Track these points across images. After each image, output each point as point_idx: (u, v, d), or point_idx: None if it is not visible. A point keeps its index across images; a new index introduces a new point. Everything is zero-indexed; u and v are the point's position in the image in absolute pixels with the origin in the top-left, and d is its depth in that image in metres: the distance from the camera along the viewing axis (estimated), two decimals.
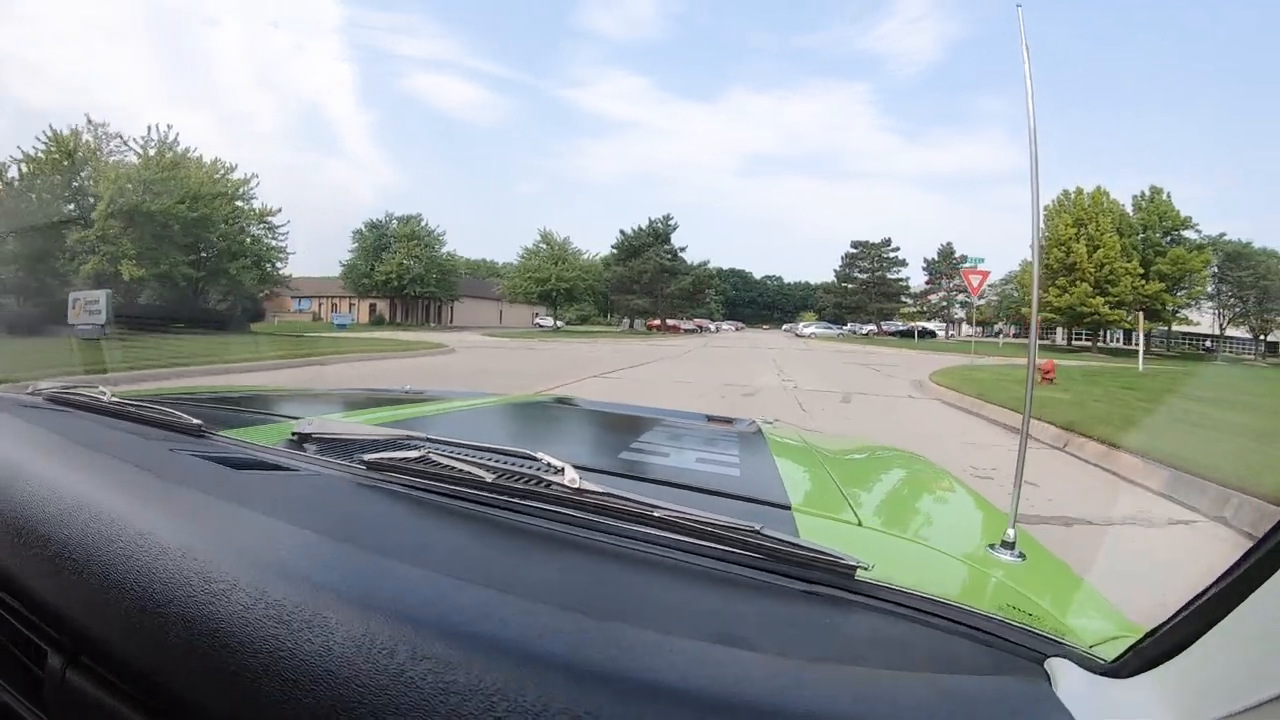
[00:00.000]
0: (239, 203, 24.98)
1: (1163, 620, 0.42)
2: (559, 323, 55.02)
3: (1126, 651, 0.45)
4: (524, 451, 0.79)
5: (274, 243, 26.57)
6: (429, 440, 0.84)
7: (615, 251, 47.26)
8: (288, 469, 0.75)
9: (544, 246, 44.12)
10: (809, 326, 48.54)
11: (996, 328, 52.35)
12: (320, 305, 50.73)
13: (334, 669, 0.37)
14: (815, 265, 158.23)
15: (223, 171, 24.47)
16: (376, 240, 44.71)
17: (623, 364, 14.16)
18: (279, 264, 26.90)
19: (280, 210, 26.42)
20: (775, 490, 0.97)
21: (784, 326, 64.94)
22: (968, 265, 17.75)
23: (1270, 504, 3.34)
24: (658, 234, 46.63)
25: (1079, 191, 41.10)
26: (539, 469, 0.73)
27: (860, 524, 0.83)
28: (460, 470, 0.71)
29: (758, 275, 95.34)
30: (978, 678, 0.44)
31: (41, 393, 1.07)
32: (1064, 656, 0.48)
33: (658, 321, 47.44)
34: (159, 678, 0.41)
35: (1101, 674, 0.45)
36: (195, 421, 0.88)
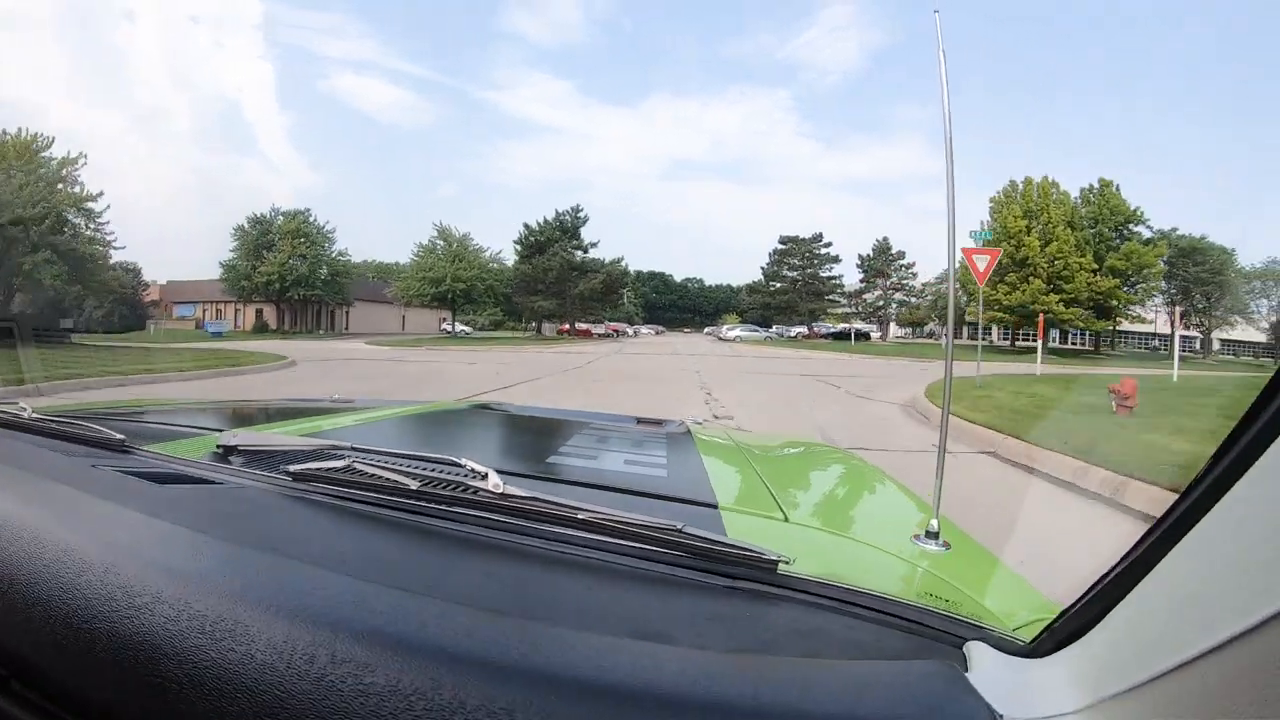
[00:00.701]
0: (61, 186, 20.58)
1: (1072, 601, 0.44)
2: (466, 329, 49.46)
3: (1042, 632, 0.46)
4: (447, 458, 0.81)
5: (92, 233, 21.56)
6: (353, 450, 0.84)
7: (519, 248, 41.64)
8: (212, 482, 0.75)
9: (441, 243, 38.74)
10: (733, 329, 43.92)
11: (928, 328, 48.88)
12: (205, 311, 45.51)
13: (256, 677, 0.37)
14: (737, 269, 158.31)
15: (41, 147, 20.57)
16: (260, 238, 39.66)
17: (494, 384, 10.50)
18: (98, 260, 21.80)
19: (102, 194, 21.69)
20: (703, 490, 0.98)
21: (706, 330, 60.79)
22: (972, 244, 12.78)
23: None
24: (565, 228, 41.00)
25: (1028, 182, 37.46)
26: (463, 475, 0.75)
27: (786, 520, 0.85)
28: (385, 478, 0.71)
29: (679, 278, 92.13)
30: (891, 662, 0.45)
31: None
32: (982, 640, 0.50)
33: (567, 326, 42.26)
34: (90, 694, 0.41)
35: (1018, 655, 0.47)
36: (118, 436, 0.87)
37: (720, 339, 42.17)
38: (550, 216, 41.35)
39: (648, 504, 0.85)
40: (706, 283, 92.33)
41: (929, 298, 47.42)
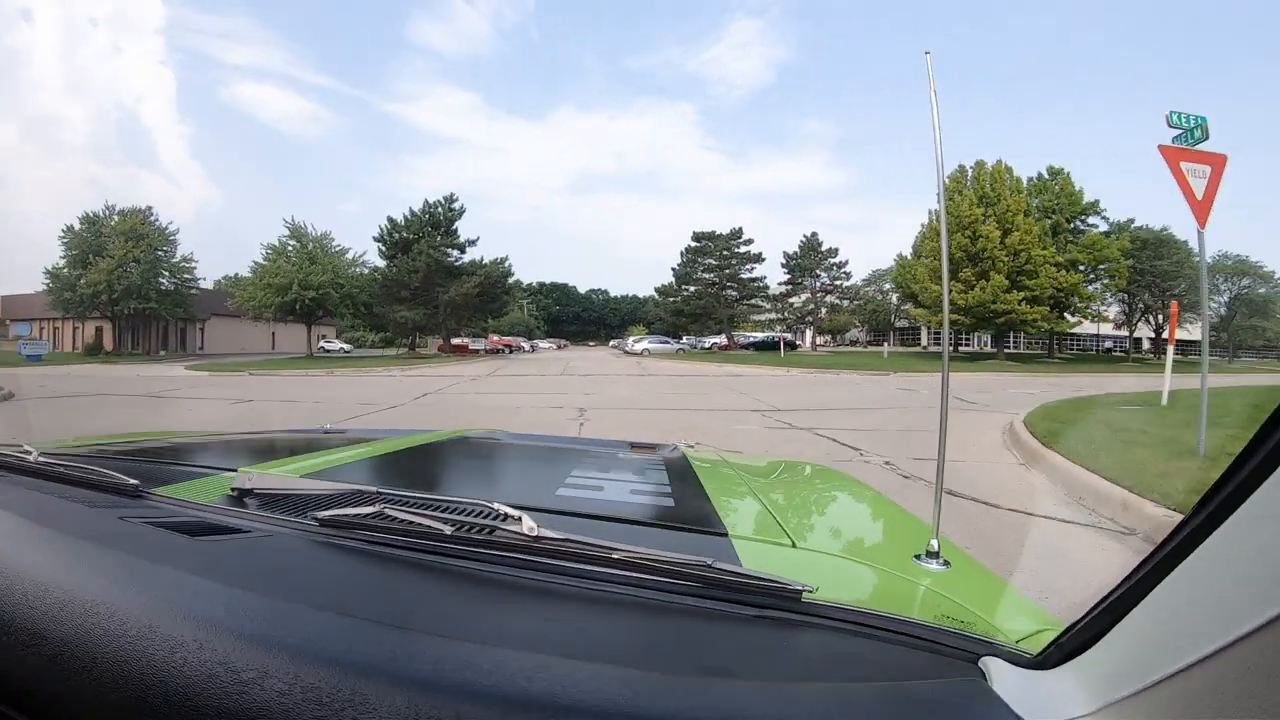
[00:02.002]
0: None
1: (1078, 617, 0.47)
2: (346, 347, 42.45)
3: (1049, 646, 0.49)
4: (478, 501, 0.82)
5: None
6: (379, 493, 0.85)
7: (382, 247, 33.93)
8: (240, 530, 0.73)
9: (293, 244, 31.01)
10: (640, 341, 37.23)
11: (850, 335, 43.61)
12: (42, 329, 38.43)
13: None
14: (643, 281, 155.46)
15: None
16: (92, 240, 33.16)
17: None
18: None
19: None
20: (712, 519, 0.99)
21: (611, 342, 54.03)
22: (1180, 141, 4.98)
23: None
24: (436, 222, 33.50)
25: (979, 166, 32.24)
26: (495, 519, 0.75)
27: (794, 545, 0.86)
28: (418, 524, 0.71)
29: (584, 290, 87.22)
30: (923, 682, 0.49)
31: None
32: (995, 655, 0.53)
33: (446, 341, 34.95)
34: None
35: (1029, 667, 0.50)
36: (131, 481, 0.85)
37: (626, 353, 35.68)
38: (418, 208, 34.00)
39: (663, 535, 0.88)
40: (612, 294, 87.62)
41: (860, 301, 42.17)
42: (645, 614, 0.59)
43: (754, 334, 40.09)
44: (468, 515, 0.77)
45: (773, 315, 43.13)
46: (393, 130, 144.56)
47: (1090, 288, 31.51)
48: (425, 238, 33.19)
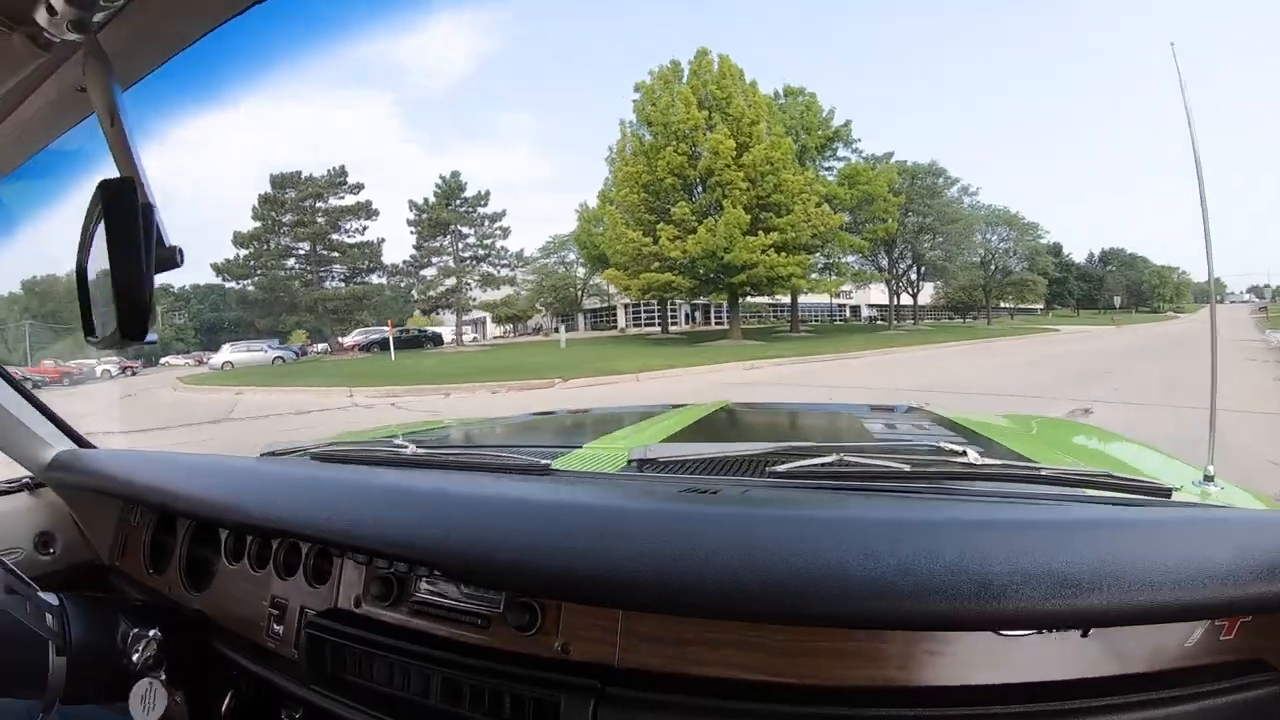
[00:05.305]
0: None
1: None
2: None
3: None
4: (928, 443, 0.98)
5: None
6: (835, 447, 0.87)
7: None
8: (711, 490, 0.78)
9: None
10: (219, 354, 19.29)
11: (533, 322, 32.25)
12: None
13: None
14: None
15: None
16: None
17: None
18: None
19: None
20: (1028, 456, 1.03)
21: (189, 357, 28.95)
22: None
23: None
24: None
25: (701, 57, 20.84)
26: (942, 455, 0.85)
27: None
28: (876, 467, 0.77)
29: None
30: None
31: (336, 454, 1.11)
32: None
33: None
34: None
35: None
36: (542, 462, 0.94)
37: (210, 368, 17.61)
38: None
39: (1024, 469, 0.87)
40: None
41: (533, 277, 29.80)
42: (1078, 528, 0.59)
43: (369, 329, 24.47)
44: (913, 454, 0.88)
45: (395, 296, 27.37)
46: None
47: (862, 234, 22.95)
48: None
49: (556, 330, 27.85)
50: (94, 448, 1.34)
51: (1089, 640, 0.60)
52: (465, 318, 27.09)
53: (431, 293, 26.13)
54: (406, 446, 1.06)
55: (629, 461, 0.95)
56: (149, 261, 0.46)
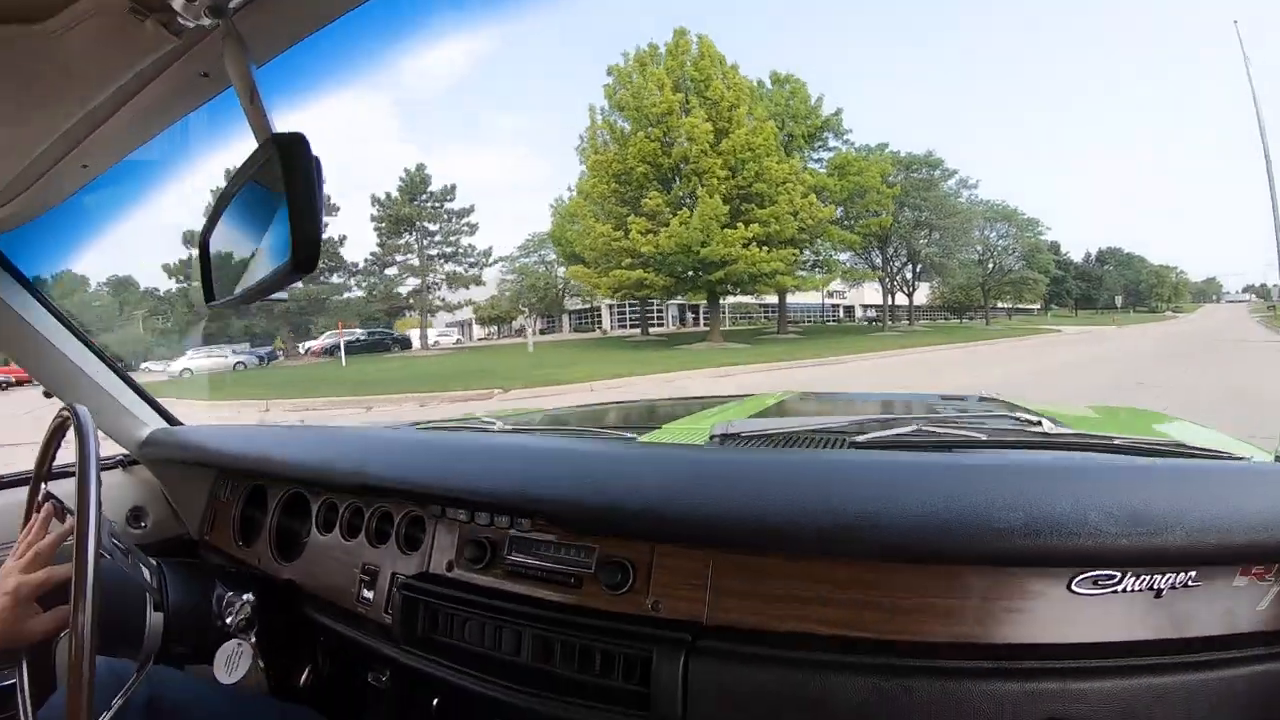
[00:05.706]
0: None
1: None
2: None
3: None
4: (998, 412, 1.02)
5: None
6: (916, 417, 0.93)
7: None
8: (821, 457, 0.82)
9: None
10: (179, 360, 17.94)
11: (517, 323, 30.71)
12: None
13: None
14: None
15: None
16: None
17: None
18: None
19: None
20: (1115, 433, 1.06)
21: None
22: None
23: None
24: None
25: (678, 37, 19.41)
26: (1019, 423, 0.88)
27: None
28: (955, 435, 0.80)
29: None
30: None
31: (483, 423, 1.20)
32: None
33: None
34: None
35: None
36: (628, 435, 1.02)
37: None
38: None
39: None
40: None
41: (513, 276, 27.94)
42: (1157, 480, 0.62)
43: (338, 332, 22.18)
44: (989, 424, 0.90)
45: (359, 295, 24.24)
46: None
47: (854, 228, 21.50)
48: None
49: (544, 331, 26.27)
50: (184, 425, 1.39)
51: (1159, 602, 0.61)
52: (451, 319, 25.19)
53: (396, 291, 24.50)
54: (494, 422, 1.14)
55: (711, 437, 0.97)
56: (320, 205, 0.49)
